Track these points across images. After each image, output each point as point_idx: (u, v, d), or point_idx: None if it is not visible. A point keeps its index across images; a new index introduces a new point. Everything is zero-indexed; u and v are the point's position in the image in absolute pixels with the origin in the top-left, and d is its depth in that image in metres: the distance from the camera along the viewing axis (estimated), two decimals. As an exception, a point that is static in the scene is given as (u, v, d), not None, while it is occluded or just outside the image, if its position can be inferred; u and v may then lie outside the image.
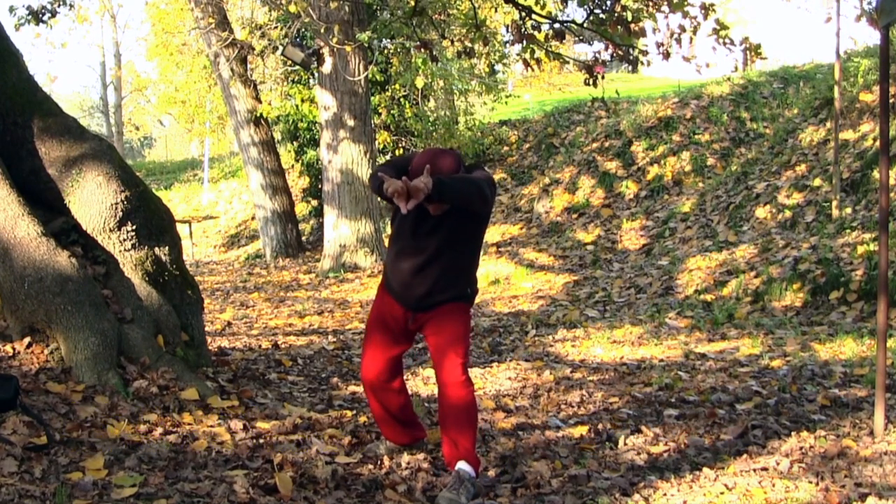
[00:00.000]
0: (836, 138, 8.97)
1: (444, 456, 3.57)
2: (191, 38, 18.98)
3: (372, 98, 13.34)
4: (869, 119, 9.94)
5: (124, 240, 4.70)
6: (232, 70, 13.82)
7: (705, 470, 3.64)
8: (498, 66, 16.75)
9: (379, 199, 3.58)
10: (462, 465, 3.44)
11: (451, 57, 14.56)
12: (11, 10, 9.13)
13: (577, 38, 8.61)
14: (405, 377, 5.52)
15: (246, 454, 3.59)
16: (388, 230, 13.09)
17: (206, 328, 5.90)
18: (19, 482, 2.97)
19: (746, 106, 12.98)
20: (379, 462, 3.74)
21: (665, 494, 3.38)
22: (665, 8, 7.64)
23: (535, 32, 7.68)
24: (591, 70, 7.96)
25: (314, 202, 15.52)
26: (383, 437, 3.92)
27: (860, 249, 7.53)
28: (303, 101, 14.61)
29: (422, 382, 5.49)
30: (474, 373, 5.65)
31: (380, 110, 14.28)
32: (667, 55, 7.91)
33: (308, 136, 15.18)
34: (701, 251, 9.36)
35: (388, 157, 14.58)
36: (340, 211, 11.80)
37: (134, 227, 4.71)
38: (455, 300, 3.57)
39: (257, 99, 14.22)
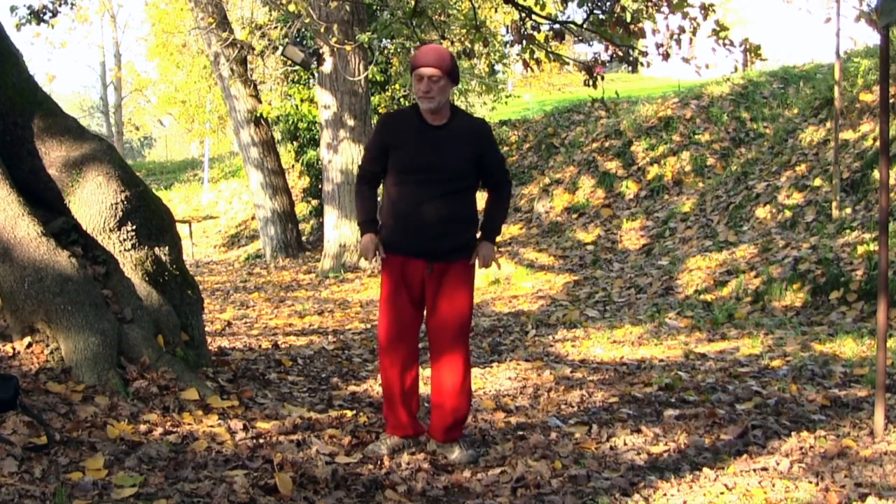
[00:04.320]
0: (836, 138, 8.97)
1: (431, 427, 3.92)
2: (191, 38, 18.98)
3: (372, 98, 13.34)
4: (869, 119, 9.94)
5: (124, 240, 4.70)
6: (232, 70, 13.82)
7: (705, 470, 3.64)
8: (498, 67, 16.75)
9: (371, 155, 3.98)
10: None
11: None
12: (12, 10, 9.13)
13: (576, 39, 8.61)
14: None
15: (246, 454, 3.59)
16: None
17: (206, 328, 5.90)
18: (19, 482, 2.97)
19: (746, 106, 12.98)
20: (379, 462, 3.75)
21: (665, 494, 3.38)
22: (665, 9, 7.64)
23: (535, 33, 7.68)
24: (590, 71, 7.96)
25: (314, 202, 15.52)
26: (385, 433, 3.95)
27: (860, 249, 7.53)
28: (303, 101, 14.61)
29: (422, 382, 5.48)
30: (474, 373, 5.64)
31: (380, 110, 14.28)
32: (666, 56, 7.92)
33: (308, 136, 15.18)
34: (701, 251, 9.36)
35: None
36: (341, 211, 11.80)
37: (134, 227, 4.71)
38: (466, 254, 3.82)
39: (257, 99, 14.22)
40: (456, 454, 3.85)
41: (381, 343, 3.89)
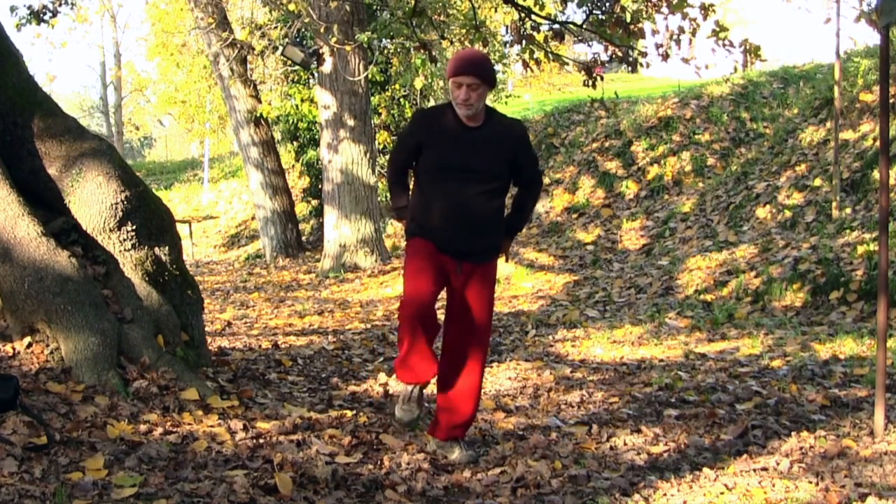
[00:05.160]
0: (836, 138, 8.97)
1: (434, 426, 3.94)
2: (191, 38, 18.98)
3: (372, 98, 13.34)
4: (869, 119, 9.94)
5: (124, 240, 4.70)
6: (232, 70, 13.82)
7: (705, 470, 3.64)
8: (498, 66, 16.74)
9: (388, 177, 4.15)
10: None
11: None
12: (12, 10, 9.13)
13: (576, 39, 8.62)
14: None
15: (246, 454, 3.59)
16: (389, 230, 13.17)
17: (206, 328, 5.90)
18: (19, 482, 2.98)
19: (746, 106, 12.98)
20: (379, 462, 3.75)
21: (665, 494, 3.38)
22: (664, 9, 7.64)
23: (535, 33, 7.68)
24: (590, 71, 7.96)
25: (314, 202, 15.52)
26: (406, 384, 3.81)
27: (860, 249, 7.53)
28: (303, 101, 14.60)
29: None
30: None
31: (380, 110, 14.28)
32: (666, 56, 7.92)
33: (308, 136, 15.17)
34: (701, 251, 9.37)
35: (387, 158, 14.57)
36: (341, 211, 11.80)
37: (134, 227, 4.71)
38: (495, 254, 3.90)
39: (257, 99, 14.22)
40: (456, 454, 3.85)
41: (405, 307, 3.74)
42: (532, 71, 9.73)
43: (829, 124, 10.41)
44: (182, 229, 7.10)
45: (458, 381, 3.86)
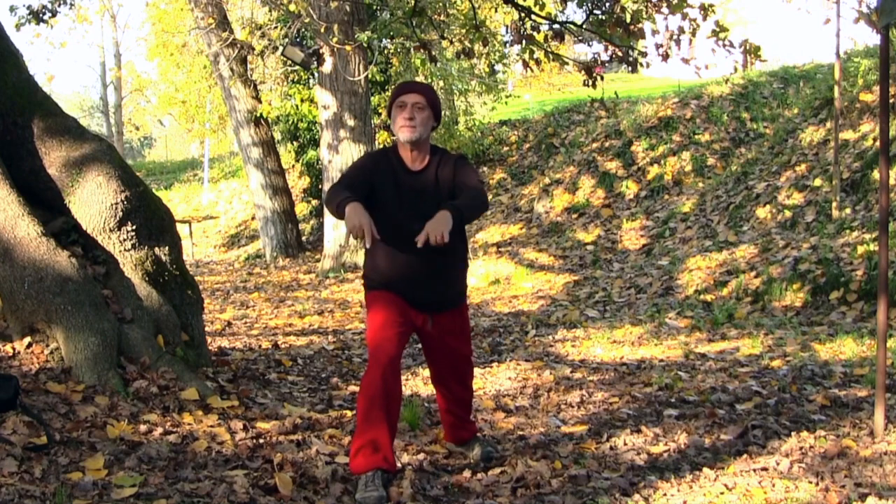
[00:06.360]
0: (836, 138, 8.97)
1: (452, 434, 3.94)
2: (191, 38, 18.98)
3: (372, 98, 13.35)
4: (869, 119, 9.94)
5: (124, 240, 4.70)
6: (232, 70, 13.83)
7: (705, 470, 3.64)
8: (498, 66, 16.74)
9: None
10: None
11: (451, 57, 14.57)
12: (12, 9, 9.15)
13: (576, 39, 8.62)
14: (405, 377, 5.55)
15: (246, 454, 3.59)
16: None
17: (206, 328, 5.90)
18: (19, 482, 2.98)
19: (746, 106, 12.98)
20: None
21: (665, 494, 3.38)
22: (664, 9, 7.64)
23: (535, 33, 7.69)
24: (590, 71, 7.96)
25: (314, 202, 15.53)
26: (361, 477, 3.28)
27: (860, 249, 7.53)
28: (303, 101, 14.61)
29: (422, 383, 5.49)
30: (474, 372, 5.64)
31: (380, 110, 14.29)
32: (666, 56, 7.92)
33: (308, 136, 15.18)
34: (701, 251, 9.36)
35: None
36: (340, 211, 11.78)
37: (134, 227, 4.71)
38: (462, 300, 3.76)
39: (257, 99, 14.23)
40: (476, 451, 3.88)
41: (375, 355, 3.38)
42: (532, 71, 9.73)
43: (829, 124, 10.41)
44: (182, 229, 7.10)
45: (453, 393, 3.86)
